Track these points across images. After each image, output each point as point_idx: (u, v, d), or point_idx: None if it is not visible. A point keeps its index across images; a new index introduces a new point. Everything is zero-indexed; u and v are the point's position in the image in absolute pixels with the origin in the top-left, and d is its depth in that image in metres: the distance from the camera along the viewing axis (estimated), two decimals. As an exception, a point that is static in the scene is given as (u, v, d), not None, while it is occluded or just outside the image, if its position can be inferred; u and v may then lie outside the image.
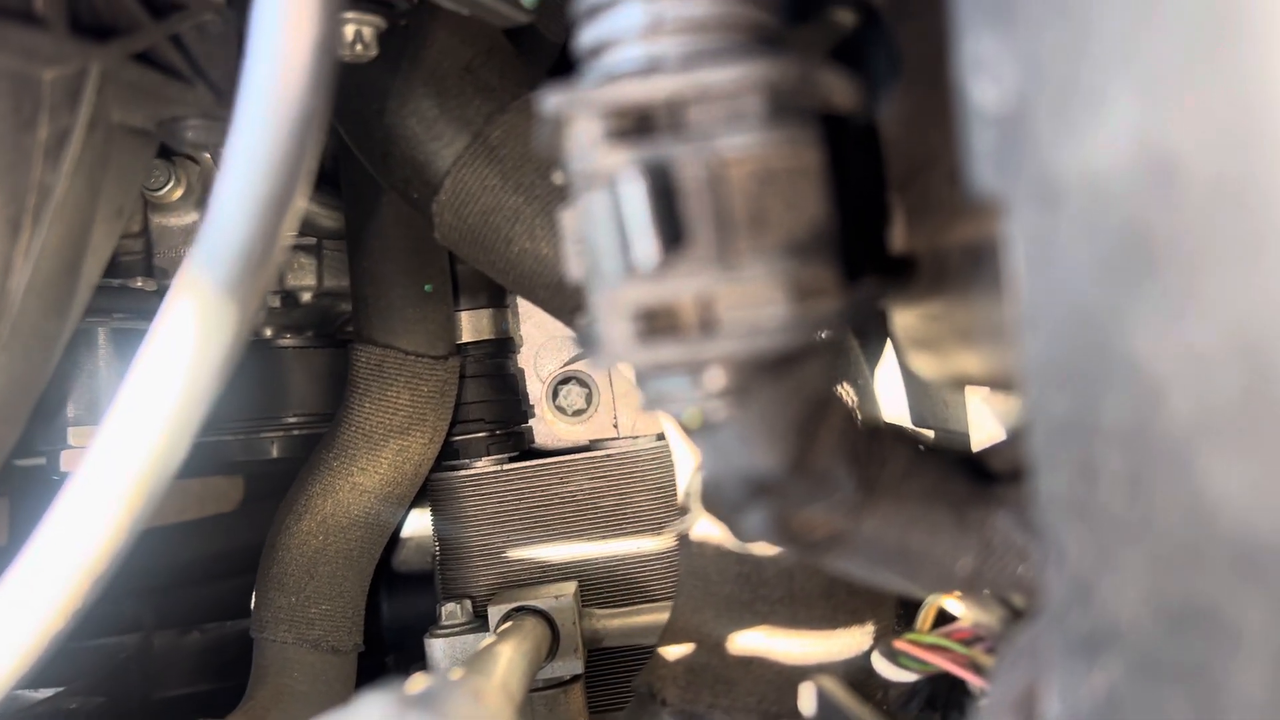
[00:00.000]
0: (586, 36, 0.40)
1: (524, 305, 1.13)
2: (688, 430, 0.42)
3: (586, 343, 0.45)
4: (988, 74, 0.32)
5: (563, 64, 0.99)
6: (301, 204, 0.41)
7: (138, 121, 0.62)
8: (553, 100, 0.37)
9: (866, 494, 0.41)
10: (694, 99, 0.37)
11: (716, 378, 0.39)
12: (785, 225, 0.38)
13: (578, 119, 0.37)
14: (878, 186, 0.47)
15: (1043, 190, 0.30)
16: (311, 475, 1.00)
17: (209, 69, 0.63)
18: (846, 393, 0.65)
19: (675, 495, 1.08)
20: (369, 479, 0.99)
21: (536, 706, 1.00)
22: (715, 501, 0.42)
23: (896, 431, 0.52)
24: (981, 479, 0.46)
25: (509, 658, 0.77)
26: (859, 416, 0.67)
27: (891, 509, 0.42)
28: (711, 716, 0.74)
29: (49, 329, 0.57)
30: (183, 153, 1.05)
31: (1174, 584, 0.26)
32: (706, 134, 0.37)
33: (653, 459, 1.07)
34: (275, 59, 0.38)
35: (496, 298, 1.10)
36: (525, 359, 1.13)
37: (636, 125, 0.37)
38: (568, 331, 1.14)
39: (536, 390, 1.13)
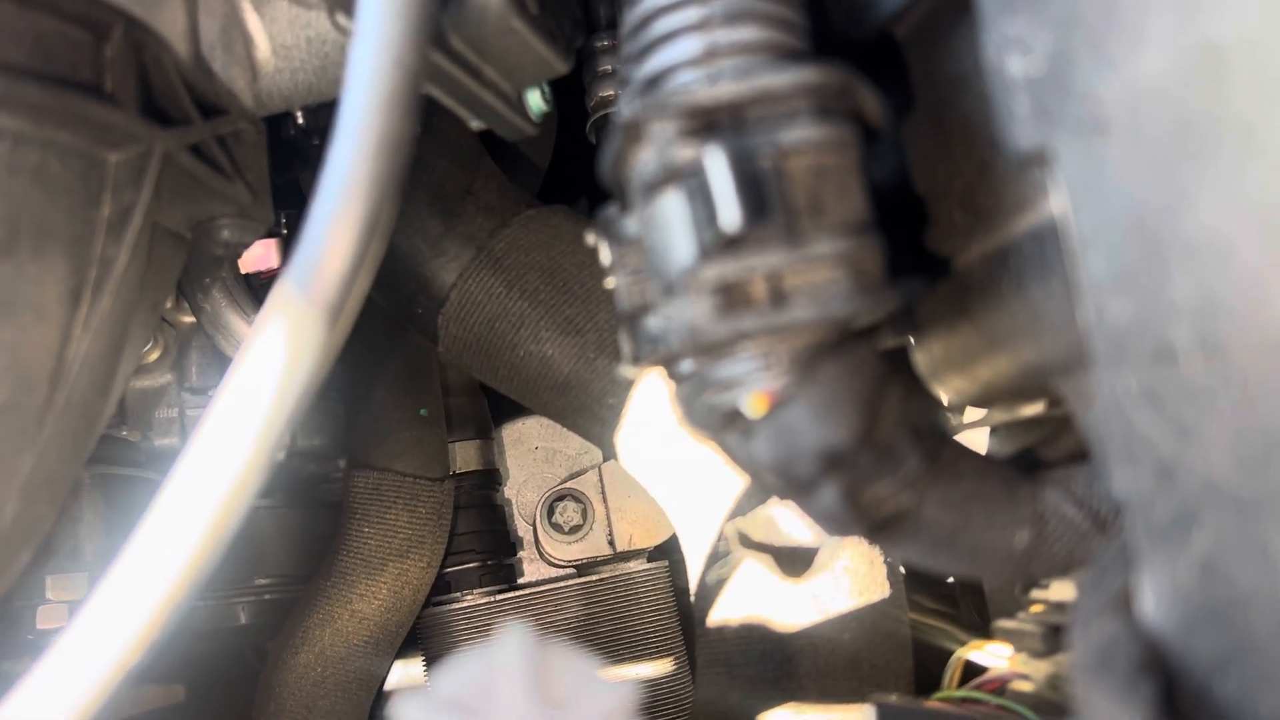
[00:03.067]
0: (646, 68, 0.45)
1: (507, 439, 1.15)
2: (745, 431, 0.45)
3: (644, 349, 0.48)
4: (1017, 48, 0.38)
5: (546, 187, 1.05)
6: (390, 226, 0.44)
7: (174, 225, 0.65)
8: (628, 108, 0.42)
9: (930, 467, 0.44)
10: (753, 101, 0.42)
11: (785, 354, 0.42)
12: (839, 212, 0.42)
13: (654, 122, 0.41)
14: (908, 195, 0.51)
15: (1088, 124, 0.35)
16: (309, 606, 0.99)
17: (245, 171, 0.67)
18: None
19: (672, 616, 1.08)
20: (368, 605, 0.98)
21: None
22: (785, 485, 0.44)
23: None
24: (1023, 466, 0.49)
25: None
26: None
27: (951, 484, 0.45)
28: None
29: (94, 407, 0.58)
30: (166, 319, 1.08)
31: (1261, 419, 0.30)
32: (767, 131, 0.41)
33: (646, 580, 1.08)
34: (371, 81, 0.42)
35: (483, 429, 1.12)
36: (510, 493, 1.14)
37: (705, 125, 0.42)
38: (548, 466, 1.16)
39: (521, 527, 1.14)
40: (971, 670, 0.73)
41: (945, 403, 0.58)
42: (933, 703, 0.70)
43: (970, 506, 0.45)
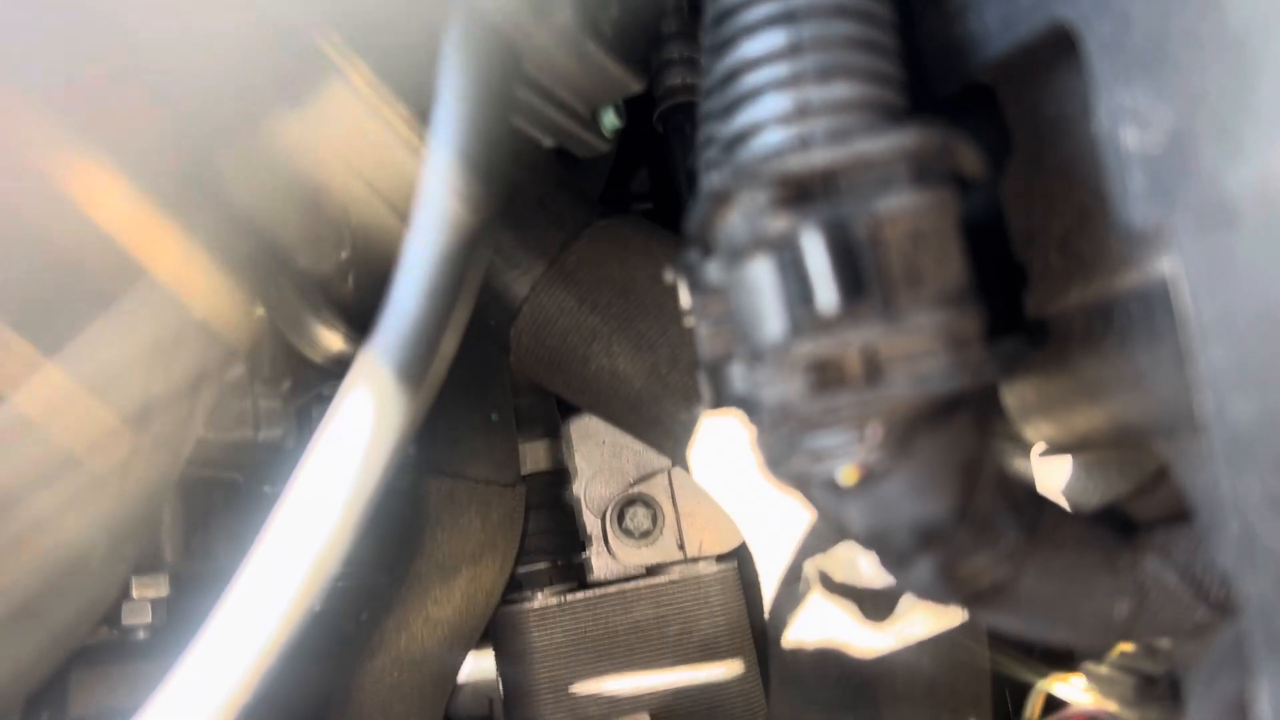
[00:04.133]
0: (733, 125, 0.44)
1: (575, 435, 1.14)
2: (837, 493, 0.44)
3: (726, 399, 0.47)
4: (1134, 120, 0.36)
5: (610, 186, 1.04)
6: (475, 290, 0.44)
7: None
8: (716, 177, 0.41)
9: (1029, 538, 0.43)
10: (848, 168, 0.40)
11: (880, 428, 0.41)
12: (937, 280, 0.40)
13: (743, 191, 0.40)
14: (1006, 252, 0.50)
15: (1212, 213, 0.33)
16: (384, 610, 1.00)
17: (321, 200, 0.67)
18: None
19: (742, 618, 1.08)
20: (442, 610, 0.99)
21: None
22: (878, 552, 0.43)
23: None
24: (1121, 528, 0.47)
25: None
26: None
27: (1050, 555, 0.43)
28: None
29: (177, 443, 0.59)
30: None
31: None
32: (862, 198, 0.40)
33: (716, 582, 1.07)
34: (452, 145, 0.42)
35: (550, 429, 1.12)
36: (578, 489, 1.14)
37: (797, 194, 0.40)
38: (615, 460, 1.16)
39: (590, 523, 1.14)
40: (1051, 703, 0.72)
41: (1032, 447, 0.56)
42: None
43: (1070, 578, 0.44)
